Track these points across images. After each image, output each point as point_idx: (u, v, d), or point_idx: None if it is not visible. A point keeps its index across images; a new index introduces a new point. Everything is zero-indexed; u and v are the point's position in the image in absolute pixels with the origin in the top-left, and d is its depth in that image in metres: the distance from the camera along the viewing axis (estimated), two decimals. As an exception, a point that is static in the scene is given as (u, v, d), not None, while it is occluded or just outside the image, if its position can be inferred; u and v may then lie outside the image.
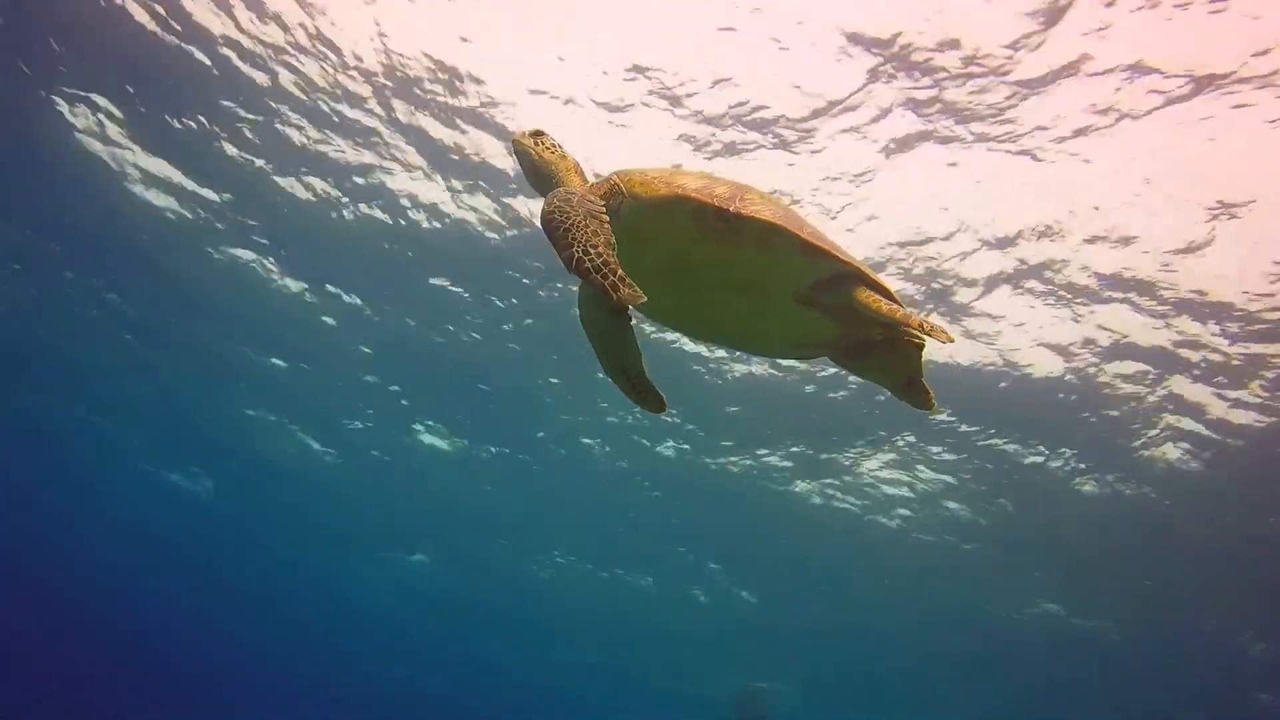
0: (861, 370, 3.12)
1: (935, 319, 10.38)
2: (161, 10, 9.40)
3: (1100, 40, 7.36)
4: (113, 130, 11.64)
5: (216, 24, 9.50)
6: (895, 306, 2.73)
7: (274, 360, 17.88)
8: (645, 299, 2.41)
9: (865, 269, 2.81)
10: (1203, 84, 7.48)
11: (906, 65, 8.08)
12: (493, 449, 20.00)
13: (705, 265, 2.82)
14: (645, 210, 2.78)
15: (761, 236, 2.68)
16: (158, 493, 29.48)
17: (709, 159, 9.74)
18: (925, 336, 2.69)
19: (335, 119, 10.60)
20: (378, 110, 10.32)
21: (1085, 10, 7.12)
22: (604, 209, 2.70)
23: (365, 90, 10.09)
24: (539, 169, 3.14)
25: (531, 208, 11.34)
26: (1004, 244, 10.03)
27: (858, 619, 23.78)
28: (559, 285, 12.83)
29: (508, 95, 9.71)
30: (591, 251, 2.46)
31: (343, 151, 11.19)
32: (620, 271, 2.43)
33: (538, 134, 3.16)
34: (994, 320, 11.22)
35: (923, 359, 2.99)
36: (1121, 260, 9.79)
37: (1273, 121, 7.62)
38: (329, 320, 15.59)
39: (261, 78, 10.13)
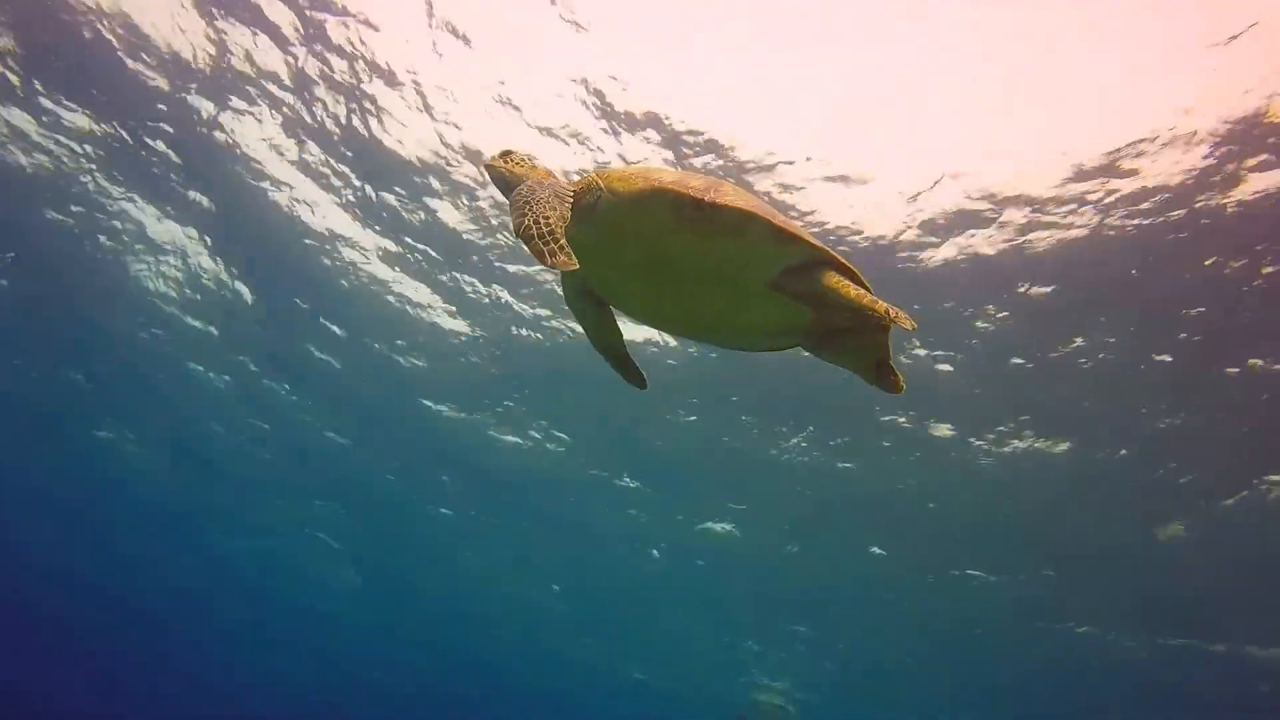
0: (833, 357, 3.24)
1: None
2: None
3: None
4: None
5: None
6: (863, 292, 2.88)
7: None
8: (577, 266, 2.55)
9: (835, 255, 2.95)
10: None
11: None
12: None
13: (682, 255, 2.95)
14: (623, 204, 2.91)
15: (736, 224, 2.82)
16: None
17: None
18: (891, 322, 2.82)
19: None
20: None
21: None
22: (573, 194, 2.86)
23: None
24: (512, 184, 3.23)
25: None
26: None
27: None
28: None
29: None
30: (541, 221, 2.63)
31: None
32: (562, 242, 2.58)
33: (506, 153, 3.29)
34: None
35: (889, 341, 3.11)
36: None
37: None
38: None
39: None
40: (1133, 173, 8.86)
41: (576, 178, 3.31)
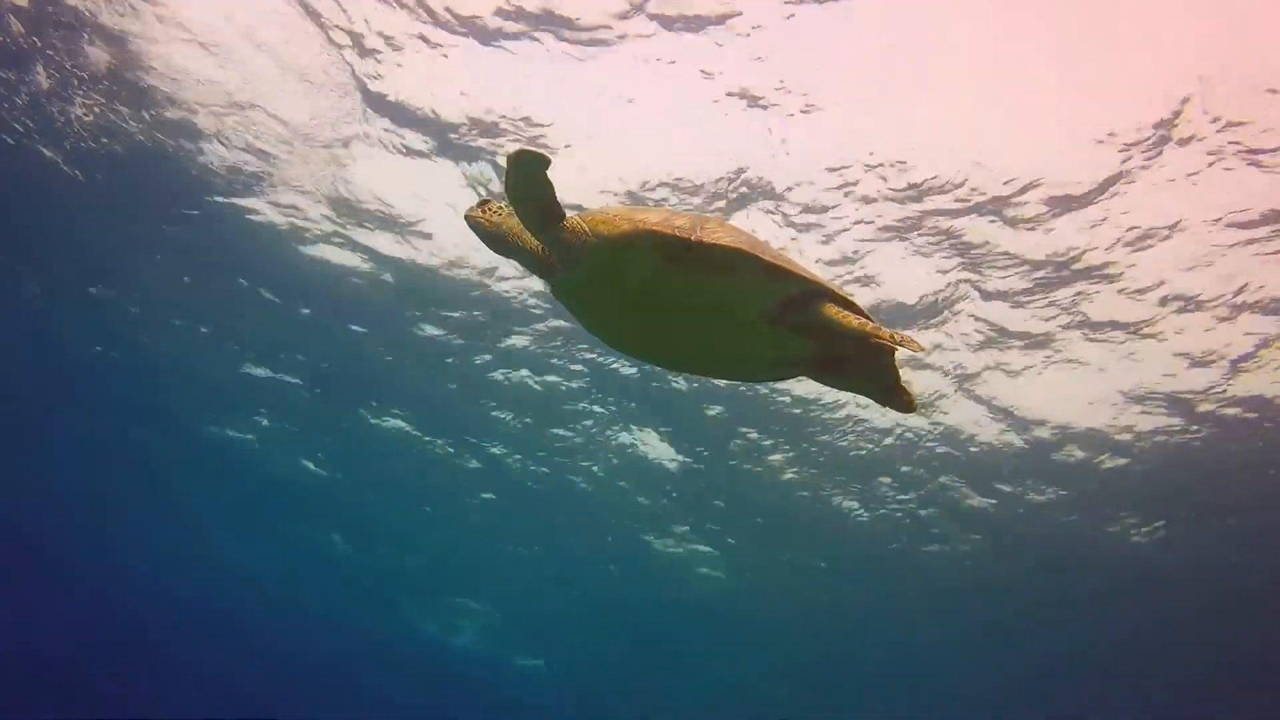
0: (839, 383, 3.17)
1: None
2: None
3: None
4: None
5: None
6: (864, 320, 2.81)
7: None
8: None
9: (830, 285, 2.88)
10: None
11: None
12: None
13: (673, 296, 2.89)
14: (609, 247, 2.85)
15: (725, 262, 2.75)
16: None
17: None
18: (897, 346, 2.75)
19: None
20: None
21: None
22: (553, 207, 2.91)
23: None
24: (494, 233, 3.23)
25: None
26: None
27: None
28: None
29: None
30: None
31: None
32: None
33: (484, 203, 3.27)
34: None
35: (896, 362, 3.04)
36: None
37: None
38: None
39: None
40: None
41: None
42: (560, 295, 3.19)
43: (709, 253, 2.73)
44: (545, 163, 2.73)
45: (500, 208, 3.24)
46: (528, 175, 2.79)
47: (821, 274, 3.01)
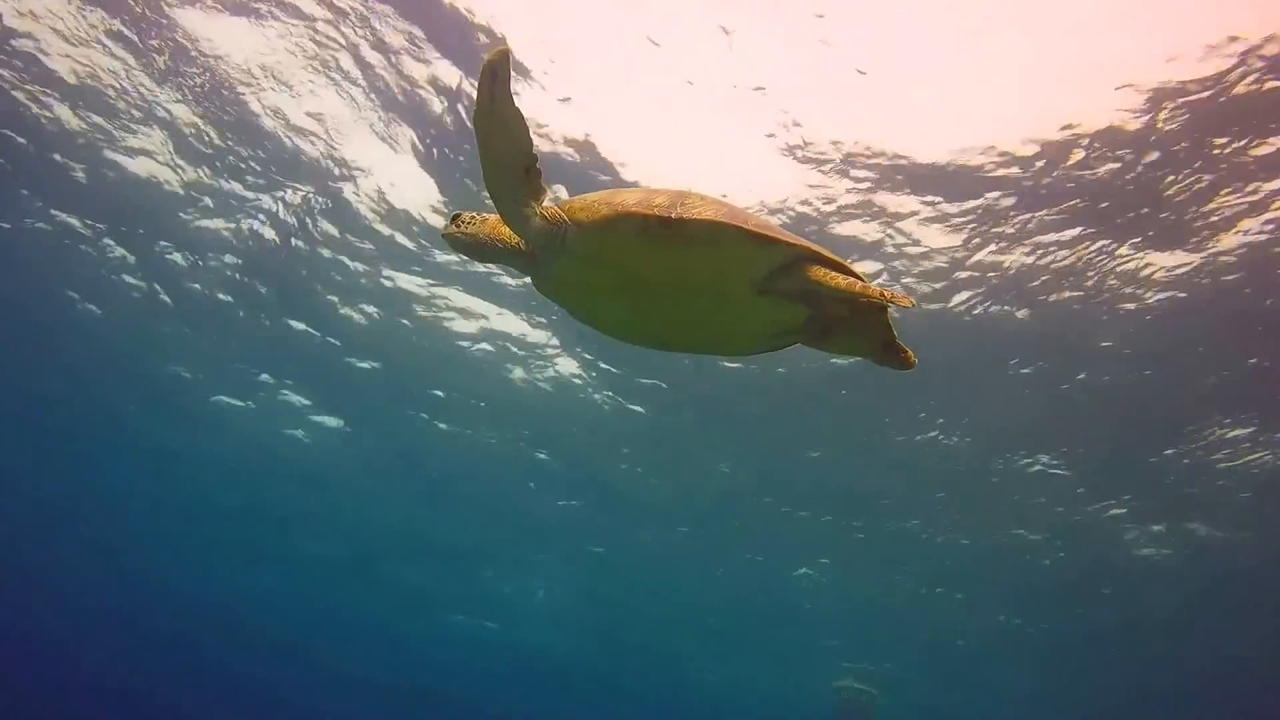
0: (835, 347, 3.13)
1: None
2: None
3: None
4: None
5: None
6: (853, 280, 2.76)
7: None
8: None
9: (817, 248, 2.84)
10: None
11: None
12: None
13: (660, 276, 2.86)
14: (590, 233, 2.83)
15: (708, 235, 2.72)
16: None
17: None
18: (888, 303, 2.72)
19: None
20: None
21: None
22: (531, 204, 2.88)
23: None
24: (473, 242, 3.20)
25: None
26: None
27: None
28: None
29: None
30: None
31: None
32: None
33: (455, 217, 3.25)
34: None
35: (889, 319, 3.01)
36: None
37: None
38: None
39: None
40: None
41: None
42: (545, 289, 3.17)
43: (690, 228, 2.69)
44: (508, 56, 2.58)
45: (473, 217, 3.23)
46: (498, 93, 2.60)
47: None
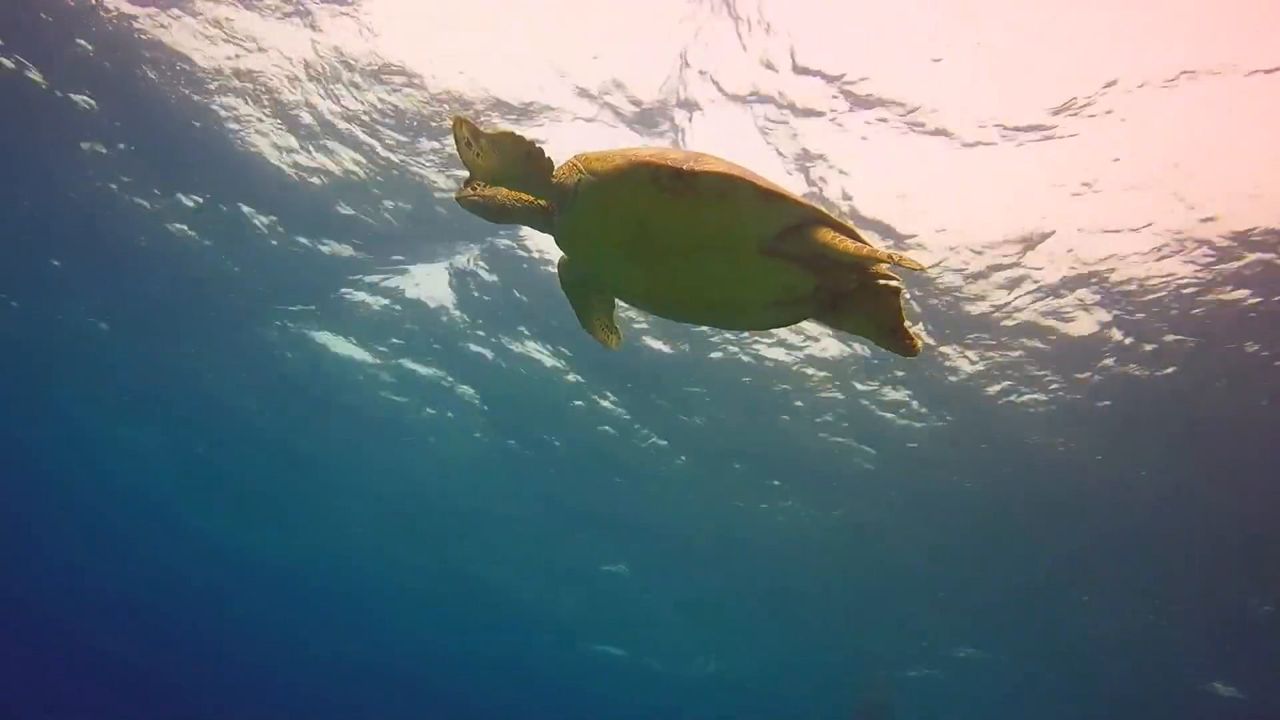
0: (844, 323, 3.09)
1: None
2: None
3: None
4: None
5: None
6: (861, 244, 2.74)
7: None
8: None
9: (826, 213, 2.82)
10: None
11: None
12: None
13: (669, 229, 2.86)
14: (603, 183, 2.85)
15: (719, 190, 2.72)
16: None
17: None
18: (900, 268, 2.68)
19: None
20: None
21: None
22: (544, 168, 3.08)
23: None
24: (489, 205, 3.23)
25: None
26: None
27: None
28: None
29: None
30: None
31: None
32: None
33: (468, 181, 3.27)
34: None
35: (901, 302, 2.96)
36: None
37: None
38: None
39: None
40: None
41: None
42: (562, 242, 3.19)
43: (701, 181, 2.71)
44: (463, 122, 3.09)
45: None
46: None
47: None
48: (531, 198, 3.15)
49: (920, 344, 2.99)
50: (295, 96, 11.13)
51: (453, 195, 3.49)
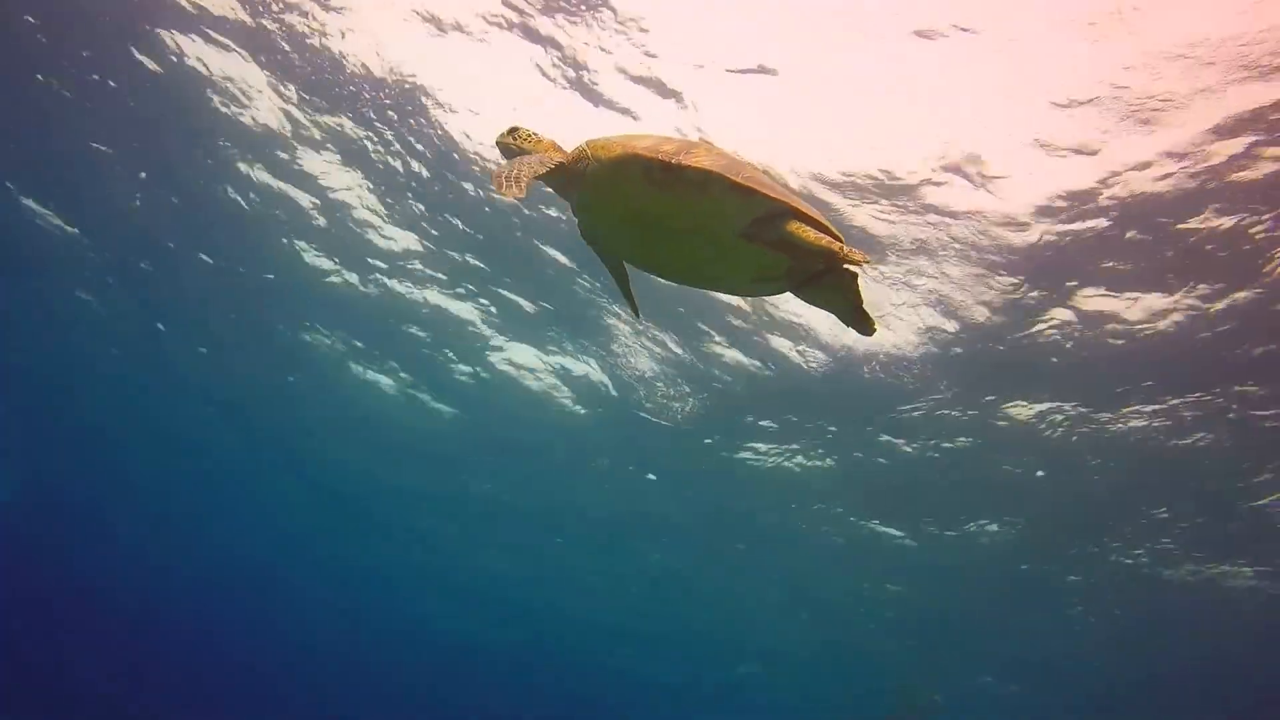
0: (814, 298, 3.47)
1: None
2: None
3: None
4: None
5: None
6: (820, 235, 3.12)
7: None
8: (517, 198, 3.17)
9: (796, 203, 3.18)
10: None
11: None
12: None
13: (658, 213, 3.29)
14: (604, 169, 3.30)
15: (698, 183, 3.12)
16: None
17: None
18: (844, 259, 3.08)
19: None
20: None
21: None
22: (558, 162, 3.39)
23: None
24: (525, 161, 3.59)
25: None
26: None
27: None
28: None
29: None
30: (512, 167, 3.29)
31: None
32: (522, 180, 3.20)
33: (513, 130, 3.76)
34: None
35: (859, 285, 3.32)
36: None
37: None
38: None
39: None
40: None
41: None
42: (578, 213, 3.64)
43: (685, 173, 3.10)
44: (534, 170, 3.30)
45: (529, 134, 3.73)
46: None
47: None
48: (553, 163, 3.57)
49: (876, 327, 3.37)
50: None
51: (495, 139, 3.83)
